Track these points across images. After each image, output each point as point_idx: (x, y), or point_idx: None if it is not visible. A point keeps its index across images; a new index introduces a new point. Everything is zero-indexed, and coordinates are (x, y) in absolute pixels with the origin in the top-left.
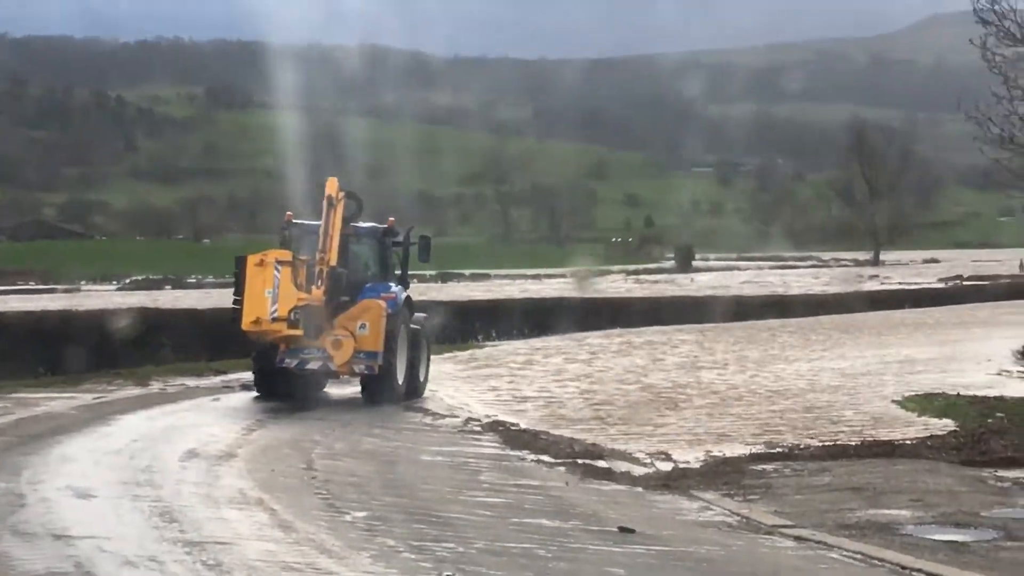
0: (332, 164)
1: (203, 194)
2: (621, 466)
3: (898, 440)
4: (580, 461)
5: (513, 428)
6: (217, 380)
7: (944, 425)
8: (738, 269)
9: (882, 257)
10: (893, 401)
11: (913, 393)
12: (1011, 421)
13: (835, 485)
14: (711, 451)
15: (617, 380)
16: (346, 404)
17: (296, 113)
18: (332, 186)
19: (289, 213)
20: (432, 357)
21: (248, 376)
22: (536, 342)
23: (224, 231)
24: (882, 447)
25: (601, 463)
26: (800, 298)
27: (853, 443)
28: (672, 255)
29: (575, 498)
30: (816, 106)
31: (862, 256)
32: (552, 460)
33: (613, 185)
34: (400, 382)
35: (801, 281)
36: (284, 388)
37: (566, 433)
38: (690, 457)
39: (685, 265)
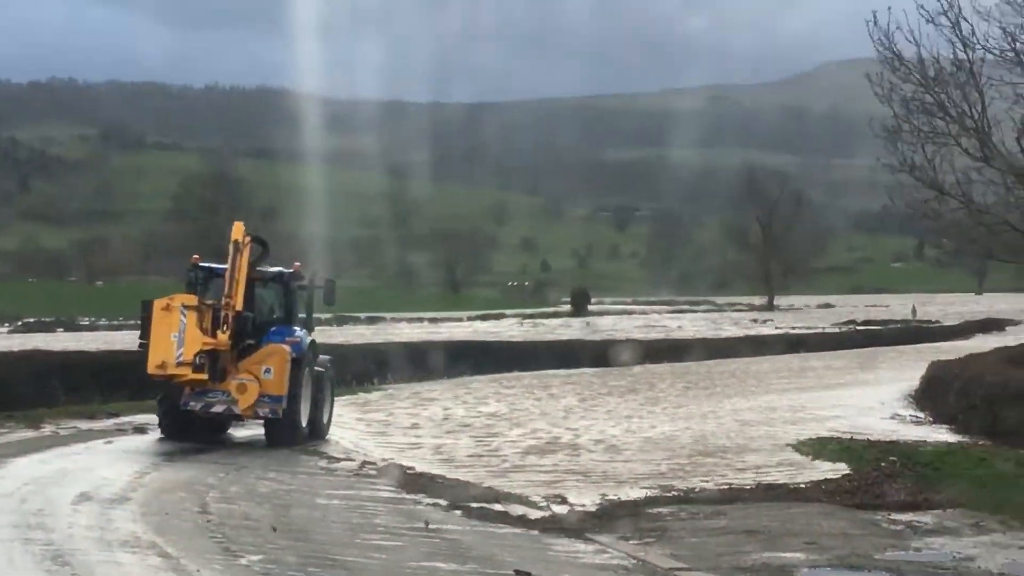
0: (227, 206)
1: (97, 236)
2: (517, 509)
3: (793, 484)
4: (476, 504)
5: (409, 471)
6: (110, 423)
7: (838, 469)
8: (633, 313)
9: (776, 301)
10: (788, 445)
11: (808, 437)
12: (904, 465)
13: (730, 528)
14: (607, 494)
15: (513, 423)
16: (242, 447)
17: (193, 155)
18: (238, 230)
19: (195, 256)
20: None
21: (141, 418)
22: (432, 385)
23: (118, 273)
24: (777, 490)
25: (497, 506)
26: (694, 342)
27: (748, 486)
28: (568, 299)
29: (471, 541)
30: (711, 151)
31: (757, 300)
32: (448, 503)
33: (510, 229)
34: (304, 424)
35: (696, 325)
36: (189, 430)
37: (462, 476)
38: (586, 500)
39: (581, 309)
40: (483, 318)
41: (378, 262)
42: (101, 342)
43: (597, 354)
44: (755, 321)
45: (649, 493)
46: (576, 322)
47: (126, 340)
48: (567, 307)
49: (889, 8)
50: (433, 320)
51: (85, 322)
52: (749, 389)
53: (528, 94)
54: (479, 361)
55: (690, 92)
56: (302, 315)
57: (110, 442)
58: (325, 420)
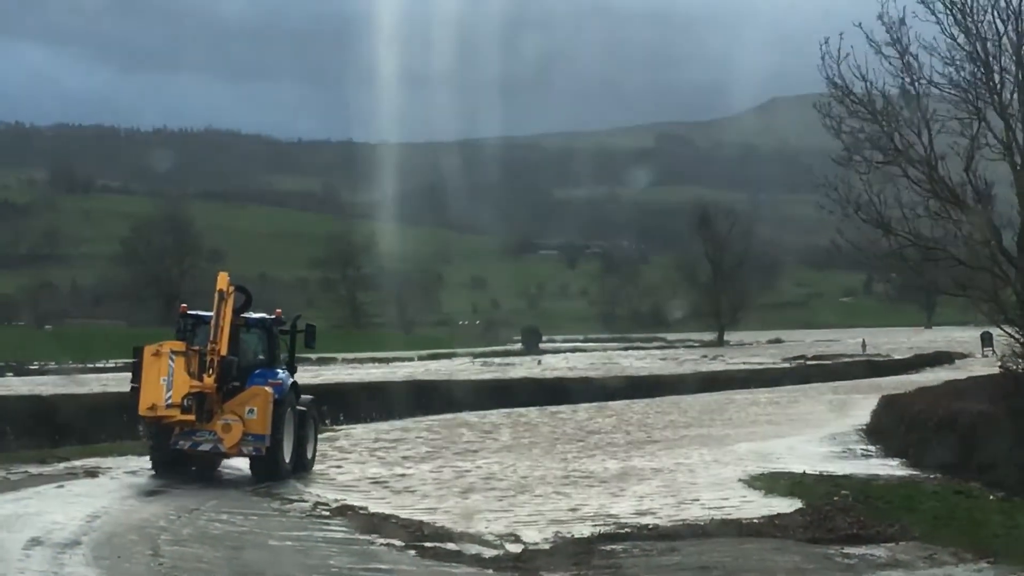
0: (176, 249)
1: (45, 280)
2: (471, 548)
3: (746, 519)
4: (429, 544)
5: (362, 512)
6: (61, 467)
7: (791, 503)
8: (584, 351)
9: (726, 337)
10: (740, 480)
11: (760, 472)
12: (856, 498)
13: (684, 564)
14: (560, 531)
15: (467, 463)
16: (192, 490)
17: (142, 198)
18: (223, 281)
19: (183, 305)
20: None
21: (92, 462)
22: (384, 425)
23: (66, 317)
24: (730, 526)
25: (451, 545)
26: (647, 379)
27: (701, 522)
28: (519, 337)
29: None
30: (659, 189)
31: (707, 336)
32: (402, 544)
33: (459, 268)
34: (287, 460)
35: (646, 363)
36: (178, 467)
37: (415, 516)
38: (539, 538)
39: (532, 347)
40: (434, 357)
41: (327, 302)
42: (51, 386)
43: (550, 391)
44: (705, 357)
45: (602, 530)
46: (527, 360)
47: (75, 384)
48: (519, 345)
49: (841, 35)
50: (384, 360)
51: (34, 366)
52: (706, 421)
53: (475, 133)
54: (432, 400)
55: (639, 130)
56: (285, 357)
57: (61, 486)
58: (309, 455)
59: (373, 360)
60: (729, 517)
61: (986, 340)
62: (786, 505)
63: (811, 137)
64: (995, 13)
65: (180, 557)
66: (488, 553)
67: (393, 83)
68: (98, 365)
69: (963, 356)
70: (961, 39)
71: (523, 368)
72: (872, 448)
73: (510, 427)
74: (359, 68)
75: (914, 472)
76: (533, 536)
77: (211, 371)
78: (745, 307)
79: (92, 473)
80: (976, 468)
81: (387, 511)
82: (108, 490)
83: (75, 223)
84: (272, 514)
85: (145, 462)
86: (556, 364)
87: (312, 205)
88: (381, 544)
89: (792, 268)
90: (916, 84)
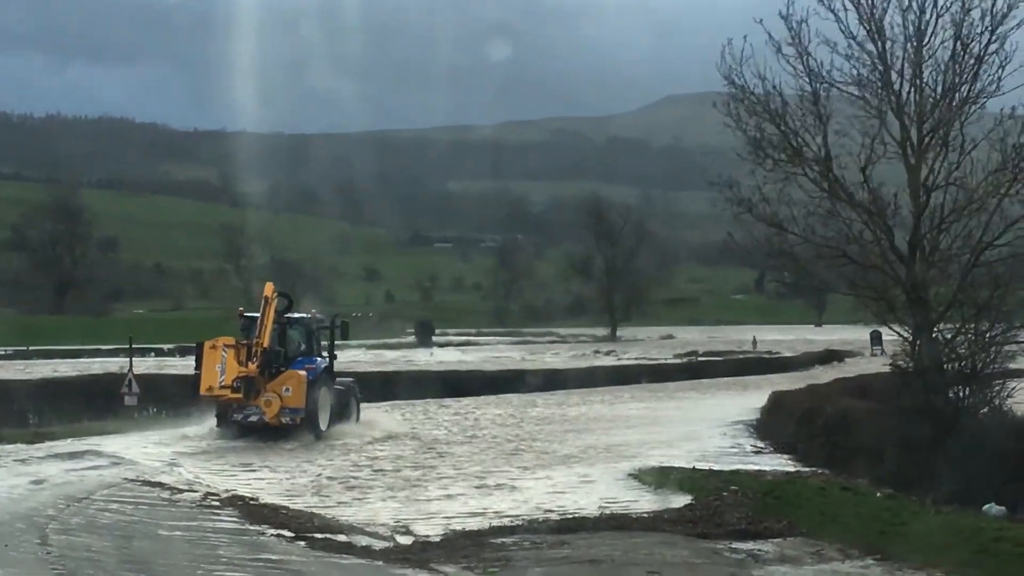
0: (68, 236)
1: None
2: (361, 540)
3: (635, 513)
4: (320, 536)
5: (252, 502)
6: None
7: (680, 498)
8: (477, 345)
9: (619, 333)
10: (630, 474)
11: (650, 466)
12: (745, 494)
13: (574, 558)
14: (450, 524)
15: (357, 453)
16: (82, 479)
17: (33, 185)
18: (268, 288)
19: (240, 308)
20: (170, 432)
21: None
22: None
23: None
24: (620, 520)
25: (341, 537)
26: (538, 372)
27: (591, 516)
28: (412, 330)
29: (315, 573)
30: (554, 183)
31: (600, 331)
32: (292, 534)
33: (354, 260)
34: (324, 428)
35: (539, 356)
36: (244, 435)
37: (306, 507)
38: (430, 530)
39: (425, 340)
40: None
41: (220, 293)
42: None
43: (443, 384)
44: (598, 352)
45: (492, 523)
46: (421, 353)
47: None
48: (411, 338)
49: (745, 37)
50: None
51: None
52: (595, 416)
53: (370, 126)
54: None
55: (533, 124)
56: (326, 345)
57: None
58: (350, 425)
59: None
60: (618, 511)
61: (875, 339)
62: (676, 500)
63: (704, 135)
64: (903, 19)
65: (68, 546)
66: (379, 545)
67: (290, 74)
68: None
69: (852, 355)
70: (861, 35)
71: (416, 361)
72: (761, 444)
73: (414, 415)
74: (255, 57)
75: (802, 468)
76: (424, 529)
77: (255, 360)
78: (638, 302)
79: None
80: (863, 465)
81: (278, 501)
82: None
83: None
84: (161, 504)
85: (35, 450)
86: (448, 358)
87: (207, 195)
88: (271, 535)
89: (685, 265)
90: (815, 83)
